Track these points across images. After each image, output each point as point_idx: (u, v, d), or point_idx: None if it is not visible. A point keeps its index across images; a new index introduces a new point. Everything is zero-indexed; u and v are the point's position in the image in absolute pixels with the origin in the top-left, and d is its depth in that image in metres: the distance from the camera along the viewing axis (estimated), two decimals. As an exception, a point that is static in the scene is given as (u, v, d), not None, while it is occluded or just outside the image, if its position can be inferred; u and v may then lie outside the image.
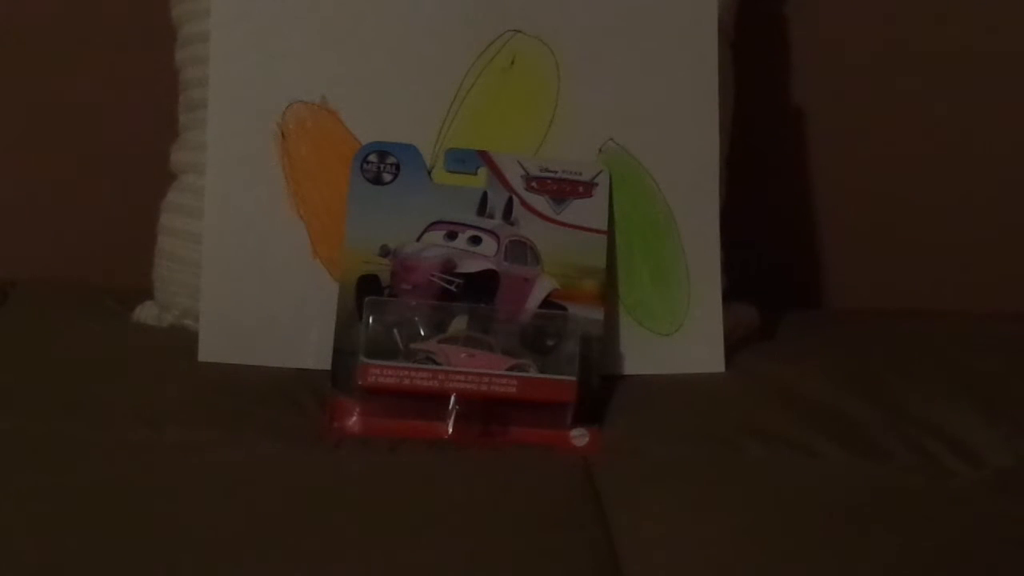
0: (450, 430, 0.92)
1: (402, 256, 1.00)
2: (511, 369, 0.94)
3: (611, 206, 1.03)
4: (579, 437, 0.95)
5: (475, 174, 1.02)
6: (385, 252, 1.00)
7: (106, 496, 0.80)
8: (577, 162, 1.03)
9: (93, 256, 1.27)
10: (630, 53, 1.05)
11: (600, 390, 0.99)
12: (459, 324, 0.97)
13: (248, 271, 1.02)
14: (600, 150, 1.04)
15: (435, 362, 0.94)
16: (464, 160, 1.02)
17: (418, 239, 1.00)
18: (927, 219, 1.31)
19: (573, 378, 0.94)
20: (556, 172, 1.03)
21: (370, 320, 0.95)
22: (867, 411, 0.97)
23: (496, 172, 1.02)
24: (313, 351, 1.00)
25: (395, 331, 0.96)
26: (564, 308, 1.00)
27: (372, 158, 1.02)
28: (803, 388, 1.00)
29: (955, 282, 1.30)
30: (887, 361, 1.06)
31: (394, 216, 1.01)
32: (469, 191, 1.02)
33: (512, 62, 1.04)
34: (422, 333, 0.96)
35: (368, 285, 0.99)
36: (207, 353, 1.01)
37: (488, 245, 1.00)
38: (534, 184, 1.02)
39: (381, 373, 0.93)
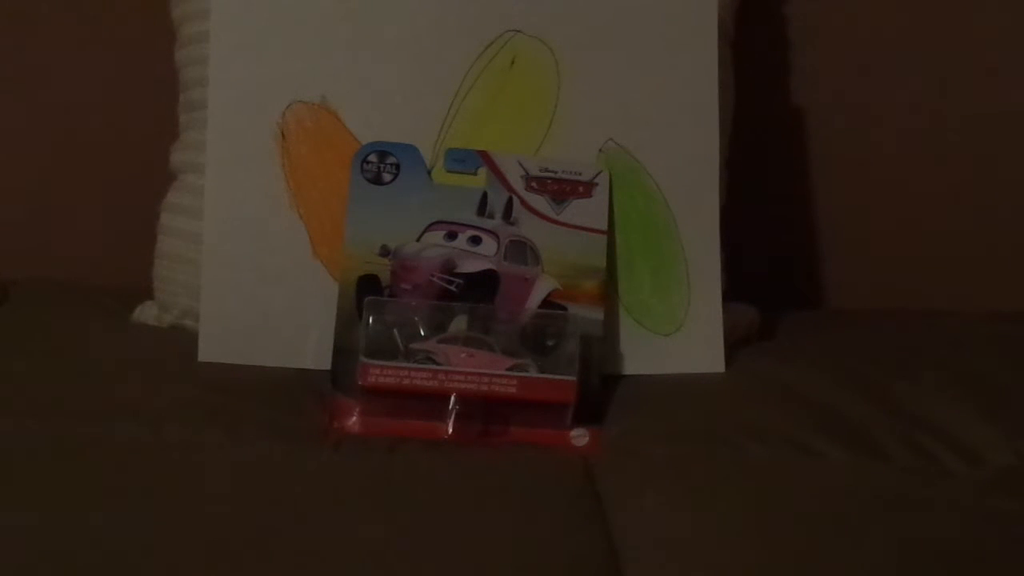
0: (450, 430, 0.92)
1: (402, 256, 1.00)
2: (511, 369, 0.94)
3: (611, 206, 1.03)
4: (579, 437, 0.95)
5: (475, 174, 1.02)
6: (385, 252, 1.00)
7: (106, 496, 0.80)
8: (577, 162, 1.03)
9: (93, 256, 1.27)
10: (630, 53, 1.05)
11: (600, 390, 0.99)
12: (459, 324, 0.97)
13: (248, 271, 1.02)
14: (600, 150, 1.04)
15: (435, 362, 0.94)
16: (464, 160, 1.02)
17: (418, 239, 1.00)
18: (927, 219, 1.31)
19: (573, 378, 0.94)
20: (556, 172, 1.03)
21: (370, 320, 0.95)
22: (867, 411, 0.97)
23: (496, 172, 1.02)
24: (313, 351, 1.00)
25: (395, 331, 0.96)
26: (564, 308, 1.00)
27: (372, 158, 1.02)
28: (803, 388, 1.00)
29: (955, 282, 1.30)
30: (887, 361, 1.06)
31: (394, 216, 1.01)
32: (469, 191, 1.02)
33: (512, 62, 1.05)
34: (422, 333, 0.96)
35: (368, 285, 0.99)
36: (207, 353, 1.01)
37: (488, 245, 1.00)
38: (534, 184, 1.02)
39: (381, 373, 0.93)
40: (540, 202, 1.02)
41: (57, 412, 0.91)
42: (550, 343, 0.97)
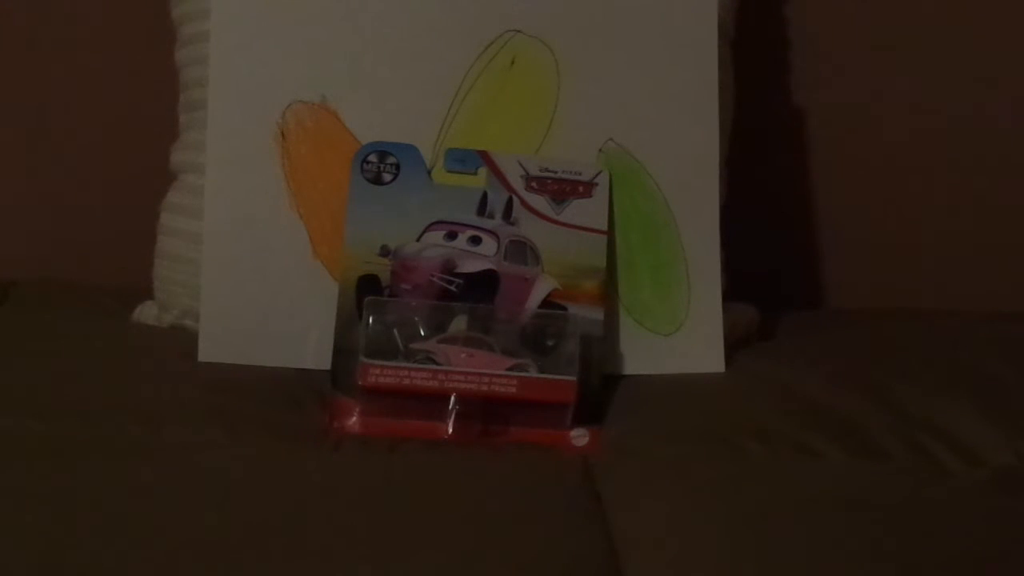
0: (450, 430, 0.92)
1: (402, 256, 1.00)
2: (511, 369, 0.94)
3: (611, 206, 1.03)
4: (579, 437, 0.95)
5: (475, 174, 1.02)
6: (385, 252, 1.00)
7: (106, 496, 0.80)
8: (577, 162, 1.03)
9: (93, 256, 1.27)
10: (630, 53, 1.05)
11: (600, 390, 0.99)
12: (459, 324, 0.97)
13: (248, 271, 1.02)
14: (600, 150, 1.04)
15: (435, 362, 0.94)
16: (464, 160, 1.02)
17: (418, 239, 1.00)
18: (927, 219, 1.31)
19: (573, 378, 0.94)
20: (556, 172, 1.03)
21: (370, 320, 0.95)
22: (867, 411, 0.96)
23: (496, 172, 1.02)
24: (313, 351, 1.00)
25: (395, 331, 0.96)
26: (564, 308, 1.00)
27: (372, 158, 1.02)
28: (803, 388, 1.00)
29: (955, 282, 1.30)
30: (887, 361, 1.06)
31: (394, 216, 1.01)
32: (469, 191, 1.02)
33: (512, 62, 1.05)
34: (422, 333, 0.96)
35: (368, 285, 0.99)
36: (207, 353, 1.01)
37: (488, 245, 1.00)
38: (534, 184, 1.02)
39: (381, 373, 0.93)
40: (540, 202, 1.02)
41: (57, 412, 0.91)
42: (550, 343, 0.97)
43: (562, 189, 1.03)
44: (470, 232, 1.01)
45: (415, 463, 0.89)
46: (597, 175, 1.03)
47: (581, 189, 1.03)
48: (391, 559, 0.75)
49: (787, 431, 0.94)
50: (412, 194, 1.01)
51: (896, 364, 1.05)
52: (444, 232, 1.01)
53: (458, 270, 0.99)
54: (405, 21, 1.04)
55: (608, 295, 1.03)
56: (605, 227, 1.03)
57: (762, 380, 1.02)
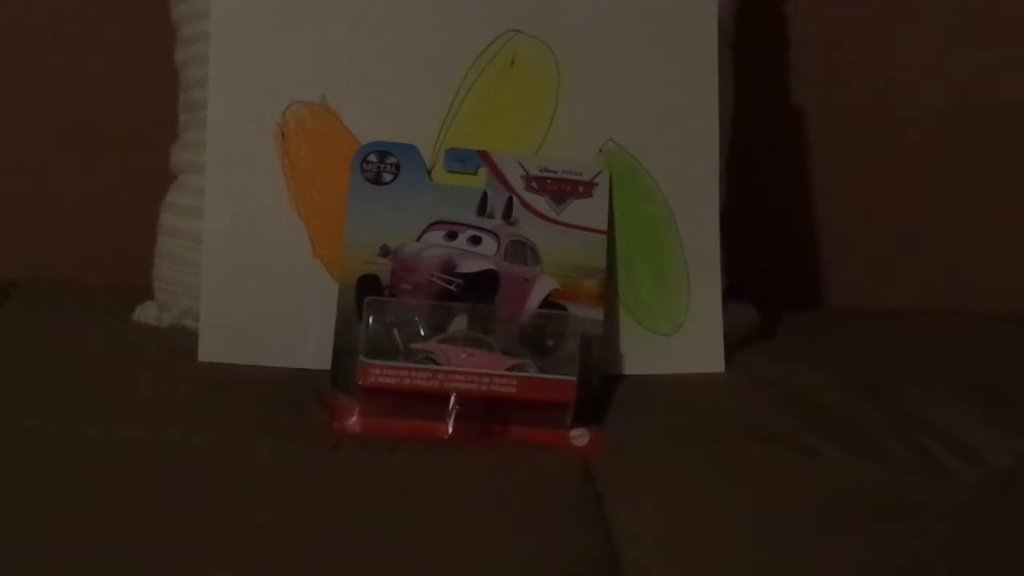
0: (450, 430, 0.92)
1: (402, 256, 1.00)
2: (511, 369, 0.94)
3: (611, 206, 1.03)
4: (579, 437, 0.95)
5: (475, 174, 1.02)
6: (385, 252, 1.00)
7: (106, 496, 0.80)
8: (577, 162, 1.03)
9: (93, 256, 1.27)
10: (630, 53, 1.05)
11: (600, 390, 0.99)
12: (459, 324, 0.97)
13: (248, 271, 1.02)
14: (600, 150, 1.04)
15: (435, 362, 0.94)
16: (464, 160, 1.02)
17: (418, 239, 1.00)
18: (927, 219, 1.31)
19: (573, 378, 0.94)
20: (556, 172, 1.03)
21: (370, 320, 0.95)
22: (867, 411, 0.96)
23: (496, 172, 1.02)
24: (313, 351, 1.00)
25: (395, 331, 0.96)
26: (564, 308, 1.00)
27: (372, 158, 1.02)
28: (803, 388, 1.00)
29: (955, 282, 1.30)
30: (887, 361, 1.06)
31: (394, 216, 1.01)
32: (469, 191, 1.02)
33: (512, 62, 1.05)
34: (422, 333, 0.96)
35: (368, 285, 0.99)
36: (207, 353, 1.01)
37: (488, 245, 1.00)
38: (534, 184, 1.02)
39: (381, 373, 0.93)
40: (540, 202, 1.02)
41: (57, 412, 0.91)
42: (550, 343, 0.97)
43: (562, 189, 1.03)
44: (470, 232, 1.01)
45: (415, 463, 0.89)
46: (597, 175, 1.03)
47: (581, 189, 1.03)
48: (391, 559, 0.75)
49: (787, 431, 0.94)
50: (412, 194, 1.01)
51: (896, 364, 1.05)
52: (444, 232, 1.01)
53: (458, 270, 0.99)
54: (405, 21, 1.04)
55: (608, 295, 1.03)
56: (605, 227, 1.03)
57: (762, 380, 1.02)
